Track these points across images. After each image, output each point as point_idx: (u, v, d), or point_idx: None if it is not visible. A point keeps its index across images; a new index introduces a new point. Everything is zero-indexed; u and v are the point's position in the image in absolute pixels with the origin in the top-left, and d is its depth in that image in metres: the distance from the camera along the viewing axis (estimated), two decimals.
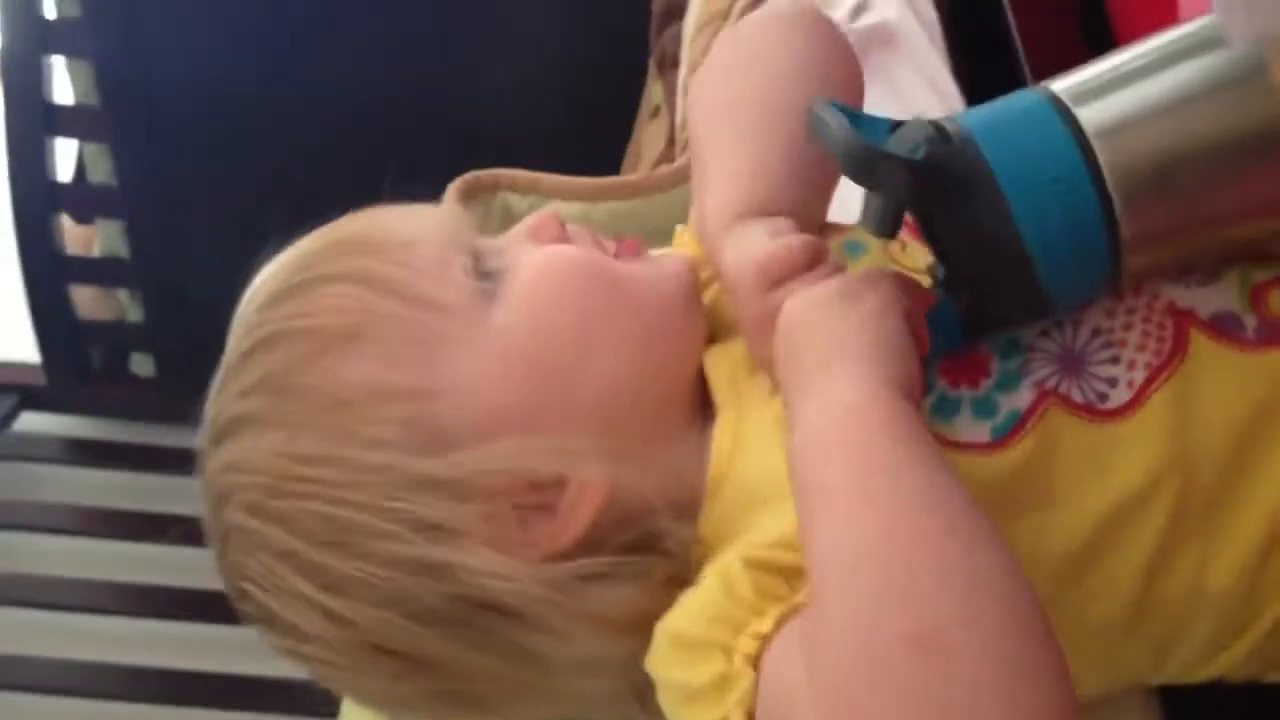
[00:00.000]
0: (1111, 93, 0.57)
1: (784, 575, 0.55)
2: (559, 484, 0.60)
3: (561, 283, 0.63)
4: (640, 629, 0.58)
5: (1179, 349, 0.59)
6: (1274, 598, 0.59)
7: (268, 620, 0.62)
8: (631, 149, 1.43)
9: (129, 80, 1.64)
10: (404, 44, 1.64)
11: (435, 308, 0.61)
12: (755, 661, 0.52)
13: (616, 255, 0.66)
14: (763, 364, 0.61)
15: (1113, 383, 0.59)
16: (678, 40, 1.24)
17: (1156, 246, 0.57)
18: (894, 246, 0.65)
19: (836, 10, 1.12)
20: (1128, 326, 0.60)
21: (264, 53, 1.64)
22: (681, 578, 0.59)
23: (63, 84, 1.70)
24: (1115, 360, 0.60)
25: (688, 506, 0.62)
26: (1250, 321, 0.60)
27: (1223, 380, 0.59)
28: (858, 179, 0.57)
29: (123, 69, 1.64)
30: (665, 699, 0.57)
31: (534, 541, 0.60)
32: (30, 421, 1.83)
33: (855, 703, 0.46)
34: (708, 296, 0.68)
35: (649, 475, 0.61)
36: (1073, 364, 0.60)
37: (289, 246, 0.66)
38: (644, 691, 0.60)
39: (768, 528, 0.57)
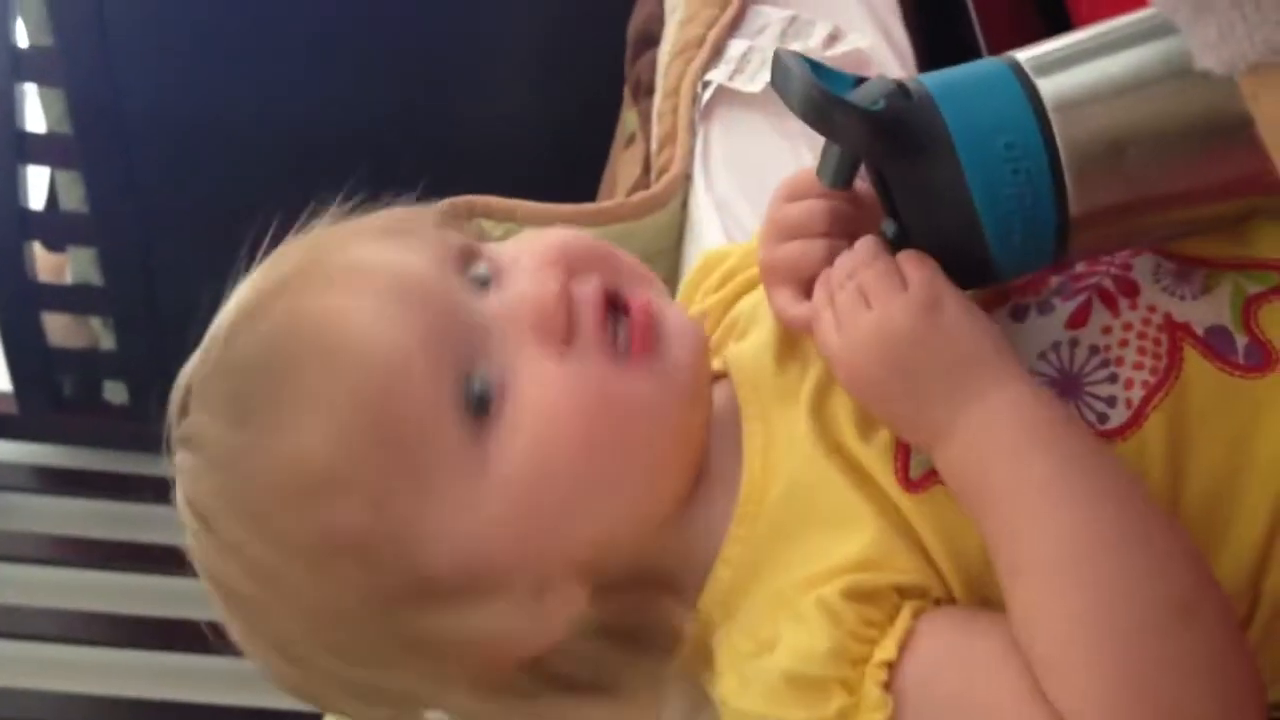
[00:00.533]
0: (1073, 66, 0.57)
1: (875, 601, 0.56)
2: (537, 600, 0.60)
3: (565, 435, 0.58)
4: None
5: (1174, 365, 0.59)
6: (1264, 632, 0.59)
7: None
8: (607, 176, 1.43)
9: (101, 108, 1.64)
10: (379, 71, 1.64)
11: (424, 452, 0.58)
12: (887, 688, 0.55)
13: (630, 342, 0.61)
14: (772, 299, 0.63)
15: (1111, 402, 0.59)
16: (652, 68, 1.24)
17: (1104, 221, 0.57)
18: None
19: (810, 39, 1.13)
20: (1124, 343, 0.60)
21: (237, 81, 1.64)
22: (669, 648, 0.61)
23: (35, 112, 1.70)
24: (1113, 379, 0.59)
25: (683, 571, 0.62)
26: (1241, 341, 0.59)
27: (1211, 401, 0.58)
28: (815, 125, 0.57)
29: (95, 97, 1.63)
30: None
31: (506, 654, 0.60)
32: (1, 450, 1.82)
33: (1135, 675, 0.50)
34: (724, 292, 0.70)
35: (635, 565, 0.62)
36: (1071, 385, 0.60)
37: (261, 274, 0.63)
38: None
39: (835, 551, 0.58)
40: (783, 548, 0.60)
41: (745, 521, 0.61)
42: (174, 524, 0.63)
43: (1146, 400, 0.59)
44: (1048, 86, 0.56)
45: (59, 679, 1.57)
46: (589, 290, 0.60)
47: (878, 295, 0.57)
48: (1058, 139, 0.55)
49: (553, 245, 0.62)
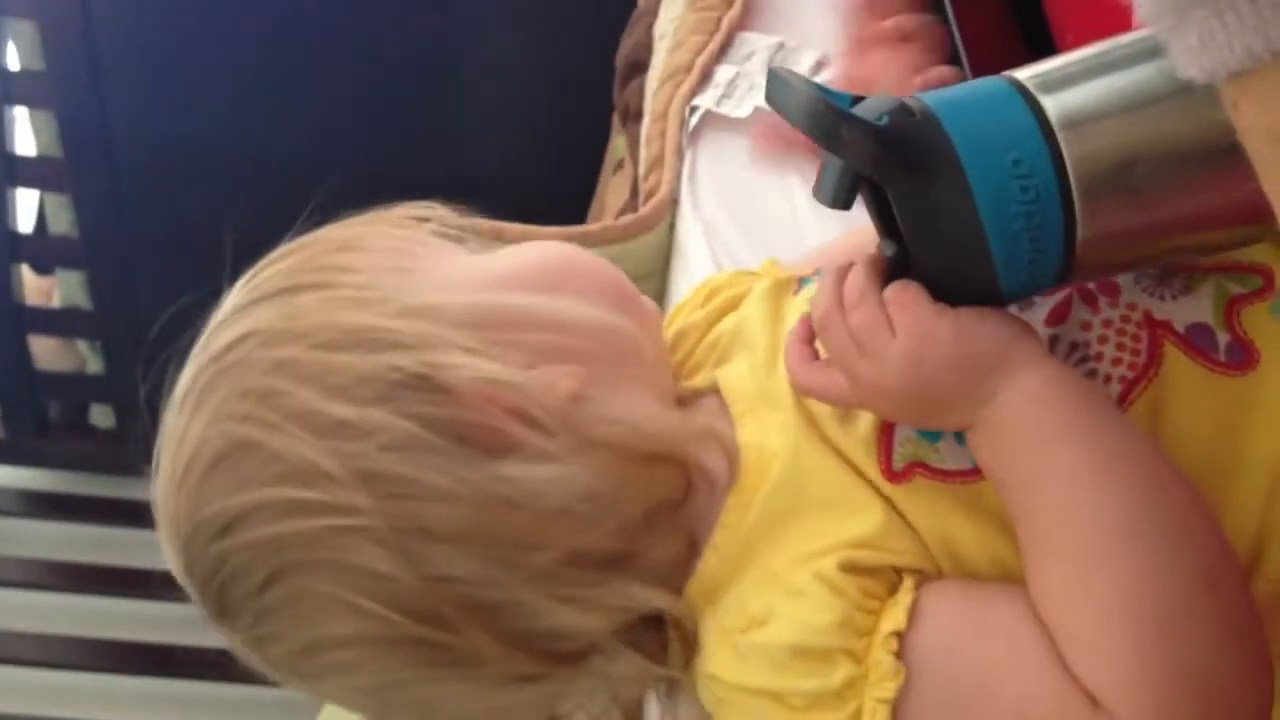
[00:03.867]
0: (1077, 84, 0.55)
1: (874, 575, 0.57)
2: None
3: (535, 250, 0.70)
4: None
5: (1153, 361, 0.59)
6: None
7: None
8: (596, 202, 1.43)
9: (92, 133, 1.64)
10: (368, 99, 1.65)
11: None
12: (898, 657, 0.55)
13: None
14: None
15: None
16: (640, 94, 1.25)
17: (1110, 242, 0.56)
18: None
19: (798, 66, 1.14)
20: (1103, 340, 0.60)
21: (226, 108, 1.64)
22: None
23: (25, 135, 1.70)
24: (1092, 374, 0.59)
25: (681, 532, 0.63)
26: (1223, 339, 0.59)
27: (1192, 396, 0.59)
28: (817, 138, 0.55)
29: (86, 121, 1.64)
30: (757, 708, 0.59)
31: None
32: None
33: (1167, 651, 0.51)
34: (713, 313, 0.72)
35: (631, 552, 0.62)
36: None
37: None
38: None
39: (834, 531, 0.58)
40: (777, 532, 0.60)
41: (736, 510, 0.61)
42: (159, 548, 0.63)
43: (1124, 395, 0.59)
44: (1052, 104, 0.55)
45: (42, 704, 1.56)
46: None
47: (868, 347, 0.57)
48: (1065, 156, 0.54)
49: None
